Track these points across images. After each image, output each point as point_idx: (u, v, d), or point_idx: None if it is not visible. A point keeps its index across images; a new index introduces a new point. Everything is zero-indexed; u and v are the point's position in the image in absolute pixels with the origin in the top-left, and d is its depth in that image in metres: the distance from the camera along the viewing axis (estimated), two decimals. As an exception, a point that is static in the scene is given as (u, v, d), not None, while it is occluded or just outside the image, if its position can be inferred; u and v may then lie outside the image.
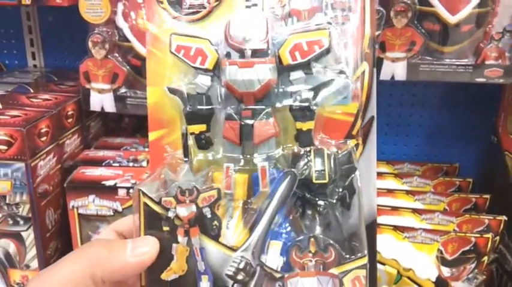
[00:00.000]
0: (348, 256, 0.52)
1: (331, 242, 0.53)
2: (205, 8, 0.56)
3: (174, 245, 0.52)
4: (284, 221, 0.55)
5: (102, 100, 1.04)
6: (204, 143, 0.56)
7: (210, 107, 0.55)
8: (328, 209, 0.54)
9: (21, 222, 0.93)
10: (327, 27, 0.53)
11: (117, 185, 0.93)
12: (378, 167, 1.23)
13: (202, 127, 0.55)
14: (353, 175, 0.54)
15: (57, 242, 1.00)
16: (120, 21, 0.99)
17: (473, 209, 1.11)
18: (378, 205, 1.04)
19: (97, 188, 0.94)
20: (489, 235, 0.95)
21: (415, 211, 1.04)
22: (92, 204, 0.94)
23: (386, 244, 0.97)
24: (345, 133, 0.56)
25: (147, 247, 0.51)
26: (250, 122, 0.53)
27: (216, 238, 0.52)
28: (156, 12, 0.57)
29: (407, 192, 1.12)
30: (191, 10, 0.56)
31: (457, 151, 1.35)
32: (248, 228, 0.53)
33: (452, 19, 0.96)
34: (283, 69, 0.53)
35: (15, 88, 1.12)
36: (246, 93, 0.53)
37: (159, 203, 0.51)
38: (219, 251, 0.52)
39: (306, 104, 0.53)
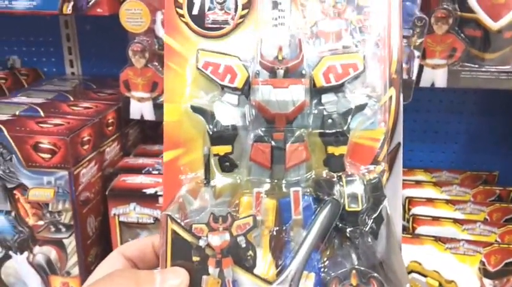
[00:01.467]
0: None
1: (374, 274, 0.50)
2: (229, 24, 0.54)
3: (204, 277, 0.48)
4: (315, 251, 0.52)
5: (141, 108, 1.05)
6: (228, 165, 0.53)
7: (235, 127, 0.52)
8: (360, 238, 0.51)
9: (63, 229, 0.95)
10: (360, 51, 0.52)
11: (158, 193, 0.94)
12: (415, 175, 1.23)
13: (227, 149, 0.52)
14: (382, 204, 0.51)
15: (98, 249, 1.01)
16: (160, 31, 1.00)
17: (515, 219, 1.09)
18: (418, 215, 1.04)
19: (138, 196, 0.95)
20: (534, 247, 0.93)
21: (456, 221, 1.03)
22: (133, 212, 0.95)
23: (428, 255, 0.95)
24: (371, 159, 0.53)
25: (177, 280, 0.47)
26: (282, 145, 0.51)
27: (250, 269, 0.49)
28: (176, 26, 0.54)
29: (447, 201, 1.10)
30: (214, 26, 0.54)
31: (496, 158, 1.32)
32: (281, 258, 0.51)
33: (494, 25, 0.94)
34: (315, 91, 0.51)
35: (55, 96, 1.14)
36: (278, 115, 0.50)
37: (189, 230, 0.48)
38: (253, 284, 0.49)
39: (340, 128, 0.51)
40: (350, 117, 0.51)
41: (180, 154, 0.53)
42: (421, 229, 1.03)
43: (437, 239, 0.97)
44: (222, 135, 0.51)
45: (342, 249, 0.51)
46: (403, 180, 1.18)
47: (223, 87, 0.52)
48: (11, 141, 0.89)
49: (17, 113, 1.01)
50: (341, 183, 0.51)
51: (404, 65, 0.94)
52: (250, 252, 0.49)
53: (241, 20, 0.54)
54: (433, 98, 1.30)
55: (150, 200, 0.94)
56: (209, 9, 0.54)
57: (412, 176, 1.24)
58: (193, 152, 0.53)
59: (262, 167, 0.51)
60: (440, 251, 0.97)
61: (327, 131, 0.51)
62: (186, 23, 0.54)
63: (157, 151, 1.14)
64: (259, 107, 0.50)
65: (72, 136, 0.89)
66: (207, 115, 0.52)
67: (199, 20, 0.54)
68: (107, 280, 0.47)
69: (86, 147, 0.94)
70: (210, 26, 0.54)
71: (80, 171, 0.92)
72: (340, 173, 0.52)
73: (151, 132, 1.24)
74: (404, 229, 1.07)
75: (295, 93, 0.50)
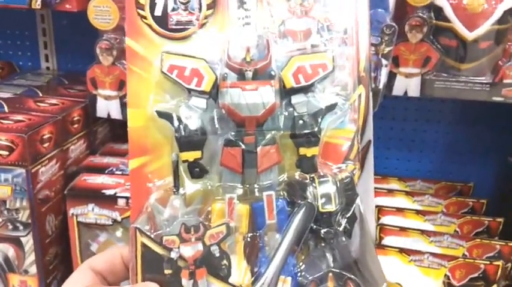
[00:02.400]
0: None
1: (350, 276, 0.50)
2: (193, 25, 0.52)
3: None
4: (291, 255, 0.51)
5: (108, 107, 1.03)
6: (198, 171, 0.51)
7: (204, 132, 0.51)
8: (334, 238, 0.51)
9: (21, 227, 0.93)
10: (330, 50, 0.51)
11: (117, 194, 0.92)
12: (389, 184, 1.22)
13: (196, 154, 0.50)
14: (355, 203, 0.52)
15: (57, 249, 1.00)
16: (129, 28, 0.98)
17: (485, 232, 1.08)
18: (386, 225, 1.03)
19: (97, 196, 0.93)
20: (499, 263, 0.92)
21: (423, 232, 1.01)
22: (91, 213, 0.93)
23: (392, 267, 0.94)
24: (342, 158, 0.53)
25: None
26: (253, 148, 0.50)
27: (225, 278, 0.48)
28: (138, 28, 0.52)
29: (418, 212, 1.09)
30: (178, 27, 0.52)
31: (473, 169, 1.31)
32: (256, 264, 0.50)
33: (470, 35, 0.92)
34: (285, 93, 0.51)
35: (24, 91, 1.13)
36: (248, 118, 0.49)
37: (159, 243, 0.47)
38: None
39: (312, 129, 0.50)
40: (320, 117, 0.51)
41: (147, 161, 0.52)
42: (388, 239, 1.02)
43: (402, 250, 0.95)
44: (191, 141, 0.50)
45: (317, 251, 0.51)
46: (376, 188, 1.18)
47: (190, 91, 0.50)
48: (-32, 136, 0.88)
49: (-20, 107, 0.99)
50: (314, 184, 0.50)
51: (371, 74, 0.93)
52: (225, 261, 0.48)
53: (206, 20, 0.52)
54: (410, 106, 1.28)
55: (109, 201, 0.92)
56: (172, 9, 0.52)
57: (385, 184, 1.23)
58: (160, 158, 0.52)
59: (233, 172, 0.50)
60: (405, 263, 0.95)
61: (298, 132, 0.51)
62: (149, 25, 0.52)
63: (125, 150, 1.12)
64: (229, 110, 0.49)
65: (30, 133, 0.87)
66: (174, 120, 0.50)
67: (162, 21, 0.52)
68: None
69: (46, 145, 0.92)
70: (173, 27, 0.52)
71: (38, 169, 0.91)
72: (313, 174, 0.51)
73: (122, 130, 1.22)
74: (372, 239, 1.05)
75: (265, 96, 0.49)
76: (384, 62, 0.91)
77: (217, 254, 0.48)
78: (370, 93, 0.54)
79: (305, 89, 0.51)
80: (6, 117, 0.94)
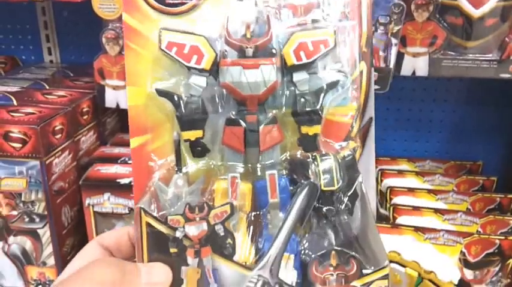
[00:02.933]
0: (368, 267, 0.50)
1: (353, 254, 0.50)
2: None
3: (183, 268, 0.47)
4: (294, 233, 0.51)
5: (117, 97, 1.03)
6: (199, 150, 0.51)
7: (205, 110, 0.50)
8: (336, 216, 0.51)
9: (37, 219, 0.93)
10: (331, 26, 0.50)
11: (132, 183, 0.91)
12: (399, 165, 1.22)
13: (198, 133, 0.50)
14: (357, 181, 0.51)
15: (74, 239, 1.00)
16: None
17: (497, 209, 1.08)
18: (399, 205, 1.03)
19: (112, 186, 0.93)
20: (514, 237, 0.92)
21: (437, 211, 1.02)
22: (107, 202, 0.93)
23: (407, 246, 0.94)
24: (343, 135, 0.53)
25: (163, 277, 0.47)
26: (255, 127, 0.49)
27: (230, 257, 0.48)
28: (135, 3, 0.51)
29: (429, 191, 1.09)
30: (175, 1, 0.51)
31: (481, 148, 1.31)
32: (260, 243, 0.50)
33: (476, 12, 0.92)
34: (286, 70, 0.50)
35: (30, 84, 1.12)
36: (249, 97, 0.48)
37: (165, 222, 0.47)
38: (234, 271, 0.48)
39: (314, 107, 0.50)
40: (322, 95, 0.50)
41: (148, 140, 0.51)
42: (401, 219, 1.02)
43: (417, 229, 0.95)
44: (192, 120, 0.49)
45: (319, 228, 0.51)
46: (386, 169, 1.18)
47: (189, 68, 0.49)
48: (-19, 130, 0.87)
49: (-11, 101, 0.99)
50: (316, 163, 0.50)
51: (381, 53, 0.93)
52: (229, 240, 0.48)
53: None
54: (417, 86, 1.28)
55: (125, 190, 0.92)
56: None
57: (395, 165, 1.23)
58: (161, 137, 0.51)
59: (235, 151, 0.50)
60: (420, 241, 0.95)
61: (300, 110, 0.50)
62: (145, 0, 0.51)
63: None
64: (229, 89, 0.48)
65: (42, 125, 0.87)
66: (174, 99, 0.49)
67: None
68: (92, 267, 0.46)
69: (58, 136, 0.92)
70: (170, 1, 0.51)
71: (52, 161, 0.90)
72: (315, 153, 0.51)
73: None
74: (385, 219, 1.06)
75: (266, 74, 0.48)
76: (394, 41, 0.91)
77: (222, 233, 0.48)
78: (372, 70, 0.54)
79: (306, 66, 0.50)
80: (17, 110, 0.93)
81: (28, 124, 0.87)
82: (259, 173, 0.51)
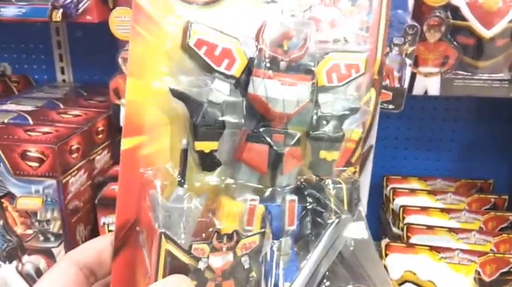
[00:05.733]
0: None
1: None
2: None
3: None
4: (295, 256, 0.47)
5: (132, 116, 1.03)
6: (211, 164, 0.45)
7: (223, 122, 0.44)
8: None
9: (52, 238, 0.93)
10: (365, 52, 0.48)
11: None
12: (410, 183, 1.22)
13: (214, 145, 0.44)
14: (358, 207, 0.49)
15: (87, 259, 1.00)
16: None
17: (510, 227, 1.09)
18: (412, 224, 1.03)
19: (127, 205, 0.93)
20: (529, 256, 0.92)
21: (450, 229, 1.02)
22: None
23: (423, 265, 0.94)
24: (345, 160, 0.51)
25: None
26: (281, 148, 0.45)
27: None
28: None
29: (442, 210, 1.09)
30: None
31: (491, 166, 1.31)
32: (269, 272, 0.45)
33: (487, 33, 0.94)
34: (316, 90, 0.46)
35: (45, 104, 1.13)
36: (280, 115, 0.44)
37: (188, 251, 0.41)
38: None
39: (338, 133, 0.46)
40: (345, 121, 0.47)
41: (142, 143, 0.44)
42: (415, 238, 1.02)
43: (432, 248, 0.96)
44: (211, 130, 0.44)
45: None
46: (397, 188, 1.18)
47: (215, 72, 0.44)
48: (-1, 149, 0.88)
49: (6, 120, 0.99)
50: (328, 188, 0.47)
51: (396, 73, 0.94)
52: (253, 273, 0.43)
53: None
54: (427, 105, 1.29)
55: (140, 209, 0.92)
56: None
57: (406, 184, 1.24)
58: (158, 141, 0.45)
59: (255, 170, 0.45)
60: (435, 260, 0.96)
61: (322, 134, 0.46)
62: None
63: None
64: (260, 103, 0.43)
65: (60, 144, 0.88)
66: (192, 103, 0.43)
67: None
68: None
69: (74, 155, 0.93)
70: None
71: (68, 180, 0.91)
72: (326, 178, 0.48)
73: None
74: (399, 238, 1.06)
75: (301, 93, 0.44)
76: (408, 61, 0.92)
77: (247, 266, 0.43)
78: (379, 98, 0.52)
79: (334, 89, 0.47)
80: (33, 130, 0.94)
81: (45, 143, 0.87)
82: (273, 197, 0.46)
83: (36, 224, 0.92)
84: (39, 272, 0.95)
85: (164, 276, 0.41)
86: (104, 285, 0.47)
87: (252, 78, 0.44)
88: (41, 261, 0.95)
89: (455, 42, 0.97)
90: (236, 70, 0.44)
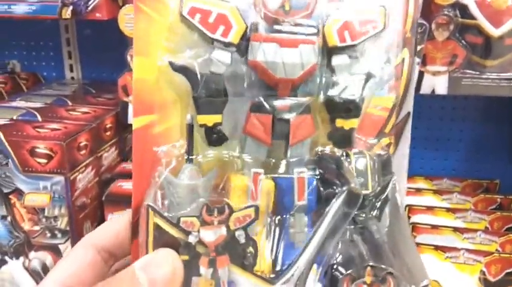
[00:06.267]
0: (407, 286, 0.43)
1: (391, 270, 0.43)
2: None
3: (194, 278, 0.41)
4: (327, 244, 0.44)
5: (139, 113, 1.04)
6: (216, 137, 0.43)
7: (226, 93, 0.42)
8: (365, 223, 0.44)
9: (59, 235, 0.94)
10: (383, 5, 0.43)
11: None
12: (416, 183, 1.22)
13: (217, 118, 0.43)
14: (390, 184, 0.45)
15: (94, 255, 1.00)
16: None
17: (516, 227, 1.08)
18: (418, 223, 1.03)
19: (134, 202, 0.94)
20: (535, 257, 0.92)
21: (456, 229, 1.02)
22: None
23: (428, 265, 0.93)
24: (377, 130, 0.46)
25: (168, 270, 0.39)
26: (286, 116, 0.42)
27: (250, 268, 0.41)
28: None
29: (448, 209, 1.09)
30: None
31: (498, 167, 1.31)
32: (281, 251, 0.44)
33: (495, 32, 0.93)
34: (325, 52, 0.42)
35: (54, 101, 1.14)
36: (283, 80, 0.41)
37: (176, 224, 0.40)
38: (254, 285, 0.41)
39: (353, 97, 0.43)
40: (364, 84, 0.43)
41: (154, 121, 0.43)
42: (420, 238, 1.02)
43: (437, 248, 0.95)
44: (212, 102, 0.42)
45: (345, 235, 0.44)
46: (403, 187, 1.17)
47: (213, 41, 0.42)
48: (7, 145, 0.88)
49: (15, 117, 1.00)
50: (349, 160, 0.44)
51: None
52: (251, 248, 0.41)
53: None
54: (434, 104, 1.29)
55: (147, 206, 0.93)
56: None
57: (412, 184, 1.23)
58: (170, 118, 0.44)
59: (259, 142, 0.43)
60: (440, 260, 0.95)
61: (337, 100, 0.43)
62: None
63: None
64: (260, 69, 0.41)
65: (68, 141, 0.88)
66: (192, 76, 0.42)
67: None
68: None
69: (82, 152, 0.93)
70: None
71: (76, 176, 0.92)
72: (347, 150, 0.45)
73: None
74: (404, 237, 1.06)
75: (305, 55, 0.41)
76: (416, 60, 0.92)
77: (243, 241, 0.41)
78: (415, 59, 0.48)
79: (350, 49, 0.43)
80: (42, 126, 0.95)
81: (54, 140, 0.88)
82: (283, 170, 0.44)
83: (44, 220, 0.93)
84: (45, 269, 0.96)
85: (154, 250, 0.40)
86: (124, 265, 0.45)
87: (250, 44, 0.41)
88: (47, 257, 0.96)
89: (463, 41, 0.96)
90: (234, 36, 0.41)
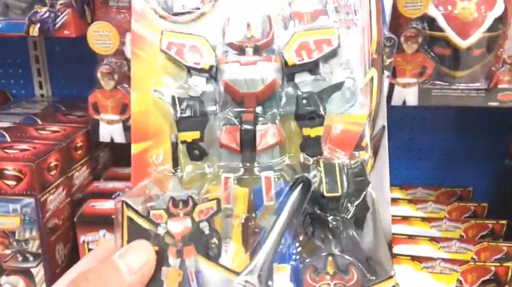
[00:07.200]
0: (372, 278, 0.45)
1: (352, 260, 0.45)
2: (198, 9, 0.51)
3: (163, 268, 0.44)
4: (292, 241, 0.48)
5: (111, 131, 1.02)
6: (197, 153, 0.49)
7: (204, 112, 0.48)
8: (341, 227, 0.47)
9: (31, 258, 0.92)
10: (334, 26, 0.49)
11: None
12: (391, 193, 1.23)
13: (195, 134, 0.48)
14: (366, 190, 0.48)
15: (67, 278, 0.98)
16: (129, 52, 0.98)
17: (490, 235, 1.10)
18: (394, 234, 1.03)
19: (108, 222, 0.91)
20: (509, 264, 0.94)
21: (432, 239, 1.03)
22: (102, 239, 0.92)
23: (405, 275, 0.94)
24: (353, 145, 0.50)
25: (143, 257, 0.43)
26: (251, 127, 0.47)
27: (215, 258, 0.45)
28: (143, 12, 0.51)
29: (423, 219, 1.10)
30: (183, 11, 0.51)
31: (470, 174, 1.33)
32: (251, 248, 0.47)
33: (463, 43, 0.94)
34: (288, 71, 0.48)
35: (23, 119, 1.12)
36: (247, 95, 0.47)
37: (146, 217, 0.44)
38: (219, 275, 0.45)
39: (315, 108, 0.48)
40: (326, 97, 0.48)
41: (149, 146, 0.51)
42: (397, 248, 1.03)
43: (414, 258, 0.96)
44: (189, 120, 0.48)
45: (317, 239, 0.48)
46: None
47: (189, 69, 0.49)
48: (-25, 168, 0.86)
49: (-18, 138, 0.98)
50: (319, 167, 0.48)
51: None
52: (215, 239, 0.45)
53: (211, 2, 0.51)
54: (406, 115, 1.30)
55: (121, 226, 0.91)
56: None
57: (387, 194, 1.24)
58: (162, 144, 0.51)
59: (231, 151, 0.48)
60: (417, 270, 0.96)
61: (302, 112, 0.48)
62: (154, 9, 0.52)
63: (129, 173, 1.11)
64: (227, 87, 0.47)
65: (38, 162, 0.86)
66: (171, 99, 0.49)
67: (167, 5, 0.52)
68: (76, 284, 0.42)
69: (53, 172, 0.91)
70: (179, 11, 0.52)
71: (47, 197, 0.90)
72: (318, 157, 0.49)
73: (123, 154, 1.21)
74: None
75: (264, 71, 0.47)
76: (386, 73, 0.93)
77: (207, 232, 0.45)
78: (383, 76, 0.52)
79: (309, 67, 0.48)
80: (11, 147, 0.92)
81: (23, 161, 0.86)
82: (256, 176, 0.48)
83: (15, 244, 0.91)
84: (18, 293, 0.94)
85: (128, 242, 0.45)
86: None
87: (219, 67, 0.48)
88: (19, 282, 0.93)
89: (432, 53, 0.98)
90: (205, 63, 0.48)
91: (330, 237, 0.47)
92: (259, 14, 0.50)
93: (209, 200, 0.45)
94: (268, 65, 0.47)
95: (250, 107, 0.48)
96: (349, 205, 0.48)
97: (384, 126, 0.53)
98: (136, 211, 0.45)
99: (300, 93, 0.48)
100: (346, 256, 0.46)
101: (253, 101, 0.47)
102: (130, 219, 0.45)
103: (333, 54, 0.49)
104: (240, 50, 0.48)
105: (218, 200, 0.45)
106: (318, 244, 0.48)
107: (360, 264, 0.46)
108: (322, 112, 0.48)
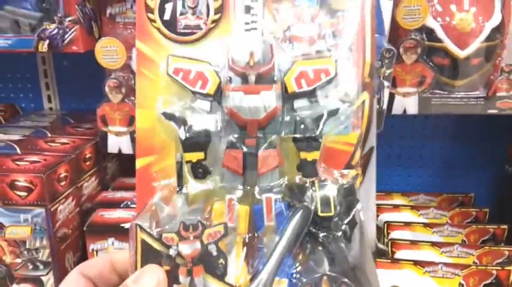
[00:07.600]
0: None
1: (345, 280, 0.49)
2: (201, 29, 0.53)
3: (175, 286, 0.48)
4: (287, 256, 0.50)
5: (119, 142, 1.05)
6: (201, 172, 0.52)
7: (208, 133, 0.51)
8: (332, 243, 0.50)
9: (41, 267, 0.94)
10: (333, 55, 0.52)
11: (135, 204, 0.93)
12: (393, 199, 1.25)
13: (200, 155, 0.51)
14: (355, 208, 0.51)
15: (77, 286, 1.00)
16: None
17: (491, 239, 1.11)
18: (397, 239, 1.05)
19: (116, 231, 0.94)
20: (510, 268, 0.95)
21: (434, 244, 1.04)
22: (111, 247, 0.94)
23: (408, 280, 0.96)
24: (344, 163, 0.53)
25: (155, 280, 0.46)
26: (254, 151, 0.50)
27: (221, 277, 0.48)
28: (147, 31, 0.53)
29: (425, 225, 1.12)
30: (186, 31, 0.53)
31: (471, 181, 1.35)
32: (253, 266, 0.50)
33: (461, 53, 0.96)
34: (287, 97, 0.51)
35: (32, 132, 1.14)
36: (250, 121, 0.50)
37: (159, 239, 0.47)
38: None
39: (313, 133, 0.51)
40: (322, 122, 0.51)
41: (153, 161, 0.53)
42: (400, 253, 1.04)
43: (416, 263, 0.98)
44: (194, 142, 0.51)
45: (314, 254, 0.51)
46: (381, 204, 1.20)
47: (194, 93, 0.51)
48: (-13, 180, 0.89)
49: (-7, 150, 1.00)
50: (314, 188, 0.50)
51: (375, 95, 0.97)
52: (222, 260, 0.48)
53: (213, 24, 0.53)
54: (406, 124, 1.33)
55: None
56: (181, 13, 0.53)
57: (390, 200, 1.26)
58: (166, 158, 0.53)
59: (234, 173, 0.51)
60: (420, 275, 0.97)
61: (299, 136, 0.51)
62: (158, 28, 0.53)
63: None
64: (231, 113, 0.50)
65: (48, 173, 0.89)
66: (179, 121, 0.51)
67: (171, 25, 0.53)
68: None
69: (62, 183, 0.94)
70: (182, 31, 0.53)
71: (57, 207, 0.92)
72: (313, 179, 0.51)
73: (131, 164, 1.24)
74: (384, 254, 1.08)
75: (266, 99, 0.49)
76: (386, 83, 0.95)
77: (215, 253, 0.48)
78: (374, 100, 0.55)
79: (307, 94, 0.51)
80: (21, 159, 0.95)
81: (33, 173, 0.89)
82: (257, 197, 0.51)
83: (25, 252, 0.93)
84: (28, 301, 0.96)
85: (142, 264, 0.47)
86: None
87: (223, 93, 0.51)
88: (30, 290, 0.95)
89: (431, 63, 0.99)
90: (210, 88, 0.51)
91: (323, 253, 0.51)
92: (261, 40, 0.52)
93: (217, 225, 0.48)
94: (270, 93, 0.50)
95: (253, 132, 0.51)
96: (340, 222, 0.51)
97: (372, 147, 0.56)
98: (149, 234, 0.47)
99: (298, 118, 0.51)
100: (339, 276, 0.49)
101: (256, 126, 0.50)
102: (143, 241, 0.47)
103: (330, 82, 0.52)
104: (243, 77, 0.50)
105: (225, 225, 0.48)
106: (312, 258, 0.51)
107: (351, 282, 0.49)
108: (318, 137, 0.51)
